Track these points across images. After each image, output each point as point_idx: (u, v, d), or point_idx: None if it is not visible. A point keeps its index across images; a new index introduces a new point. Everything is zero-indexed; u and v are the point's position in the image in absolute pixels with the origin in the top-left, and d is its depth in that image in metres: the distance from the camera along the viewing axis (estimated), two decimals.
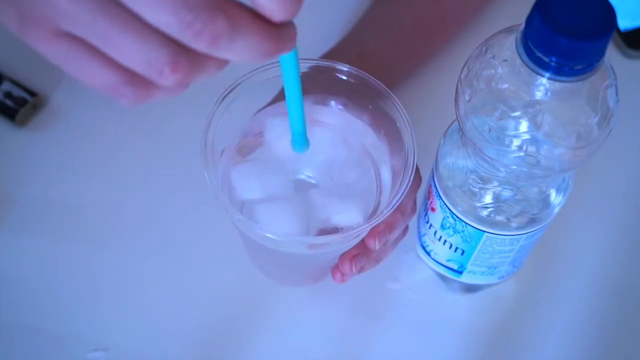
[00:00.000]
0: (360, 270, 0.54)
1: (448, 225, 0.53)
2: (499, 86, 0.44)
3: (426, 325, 0.59)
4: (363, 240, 0.52)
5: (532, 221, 0.51)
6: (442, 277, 0.60)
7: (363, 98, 0.52)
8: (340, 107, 0.53)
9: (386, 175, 0.52)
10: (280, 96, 0.54)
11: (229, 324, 0.59)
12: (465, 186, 0.50)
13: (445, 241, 0.55)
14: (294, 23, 0.37)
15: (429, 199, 0.55)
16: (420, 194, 0.57)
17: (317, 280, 0.59)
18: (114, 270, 0.60)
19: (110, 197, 0.63)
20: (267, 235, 0.47)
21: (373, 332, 0.59)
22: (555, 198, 0.51)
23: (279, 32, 0.36)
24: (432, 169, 0.53)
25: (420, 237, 0.59)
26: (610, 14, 0.40)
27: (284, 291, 0.60)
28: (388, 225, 0.51)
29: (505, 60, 0.43)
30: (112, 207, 0.63)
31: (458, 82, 0.46)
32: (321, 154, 0.51)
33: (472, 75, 0.45)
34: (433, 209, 0.54)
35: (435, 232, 0.55)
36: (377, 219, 0.48)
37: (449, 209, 0.52)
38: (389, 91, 0.51)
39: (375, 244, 0.51)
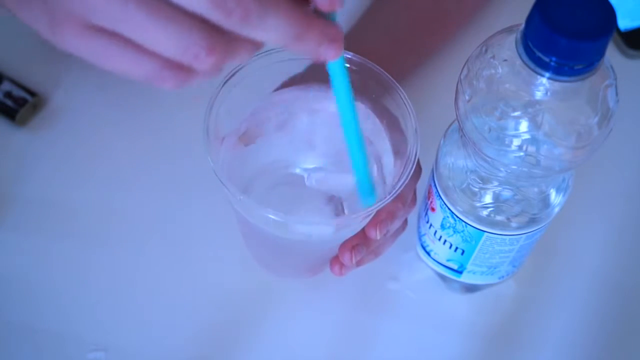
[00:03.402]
0: (359, 263, 0.54)
1: (448, 225, 0.53)
2: (499, 86, 0.44)
3: (426, 325, 0.59)
4: (363, 230, 0.51)
5: (532, 221, 0.51)
6: (442, 277, 0.60)
7: (366, 86, 0.52)
8: None
9: (388, 164, 0.52)
10: (287, 83, 0.53)
11: (228, 322, 0.59)
12: (465, 186, 0.51)
13: (445, 241, 0.55)
14: (338, 24, 0.38)
15: (429, 199, 0.55)
16: (420, 193, 0.57)
17: (315, 272, 0.58)
18: (113, 270, 0.60)
19: (110, 196, 0.63)
20: (270, 216, 0.46)
21: (373, 332, 0.59)
22: (555, 198, 0.51)
23: (315, 19, 0.37)
24: (432, 169, 0.53)
25: (420, 237, 0.59)
26: (610, 14, 0.40)
27: (283, 291, 0.60)
28: (389, 215, 0.51)
29: (505, 60, 0.43)
30: (112, 207, 0.63)
31: (458, 82, 0.46)
32: (323, 143, 0.51)
33: (472, 75, 0.45)
34: (433, 209, 0.54)
35: (435, 232, 0.55)
36: (379, 204, 0.47)
37: (449, 208, 0.52)
38: (392, 79, 0.51)
39: (376, 233, 0.51)
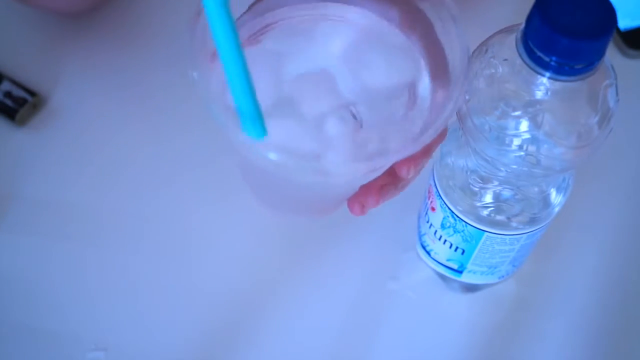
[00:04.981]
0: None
1: (448, 224, 0.53)
2: (499, 86, 0.44)
3: (426, 325, 0.59)
4: (392, 167, 0.43)
5: (533, 221, 0.51)
6: (442, 277, 0.60)
7: None
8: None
9: (423, 88, 0.43)
10: None
11: (228, 323, 0.59)
12: (465, 186, 0.50)
13: (445, 241, 0.55)
14: None
15: (429, 199, 0.54)
16: (421, 194, 0.57)
17: (328, 213, 0.50)
18: (113, 269, 0.60)
19: (110, 196, 0.63)
20: (271, 157, 0.37)
21: (372, 332, 0.59)
22: (555, 197, 0.51)
23: None
24: (432, 169, 0.53)
25: (420, 236, 0.59)
26: (610, 13, 0.40)
27: (283, 290, 0.60)
28: (425, 150, 0.42)
29: (506, 60, 0.43)
30: (111, 207, 0.63)
31: None
32: (335, 62, 0.42)
33: (472, 75, 0.45)
34: (433, 209, 0.54)
35: (436, 231, 0.55)
36: (415, 145, 0.38)
37: (449, 208, 0.52)
38: None
39: (408, 173, 0.43)
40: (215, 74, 0.39)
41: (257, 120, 0.38)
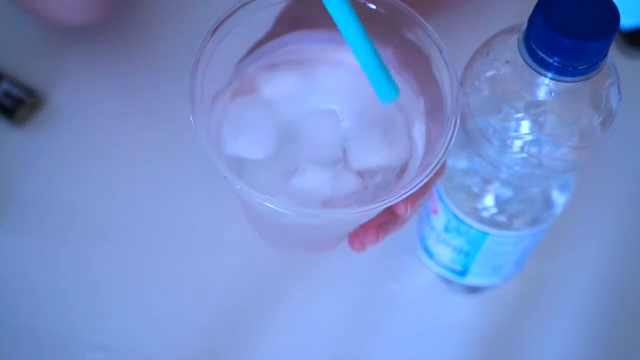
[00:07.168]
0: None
1: (451, 227, 0.53)
2: (502, 87, 0.44)
3: (428, 327, 0.59)
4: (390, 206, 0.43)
5: (535, 222, 0.51)
6: (445, 279, 0.59)
7: (388, 28, 0.43)
8: None
9: (417, 128, 0.44)
10: (276, 30, 0.46)
11: (229, 323, 0.59)
12: (467, 188, 0.50)
13: (448, 244, 0.54)
14: None
15: (430, 202, 0.54)
16: None
17: (330, 248, 0.52)
18: (113, 269, 0.60)
19: (109, 196, 0.63)
20: (269, 205, 0.39)
21: (374, 334, 0.59)
22: (558, 198, 0.51)
23: None
24: None
25: (422, 240, 0.58)
26: (613, 13, 0.40)
27: (283, 292, 0.60)
28: (423, 189, 0.42)
29: (508, 62, 0.43)
30: (111, 207, 0.63)
31: (460, 83, 0.46)
32: (334, 102, 0.44)
33: (474, 77, 0.45)
34: (435, 212, 0.54)
35: (438, 234, 0.55)
36: (411, 188, 0.39)
37: (451, 211, 0.51)
38: (422, 20, 0.42)
39: (407, 211, 0.44)
40: (214, 115, 0.43)
41: (387, 84, 0.40)
